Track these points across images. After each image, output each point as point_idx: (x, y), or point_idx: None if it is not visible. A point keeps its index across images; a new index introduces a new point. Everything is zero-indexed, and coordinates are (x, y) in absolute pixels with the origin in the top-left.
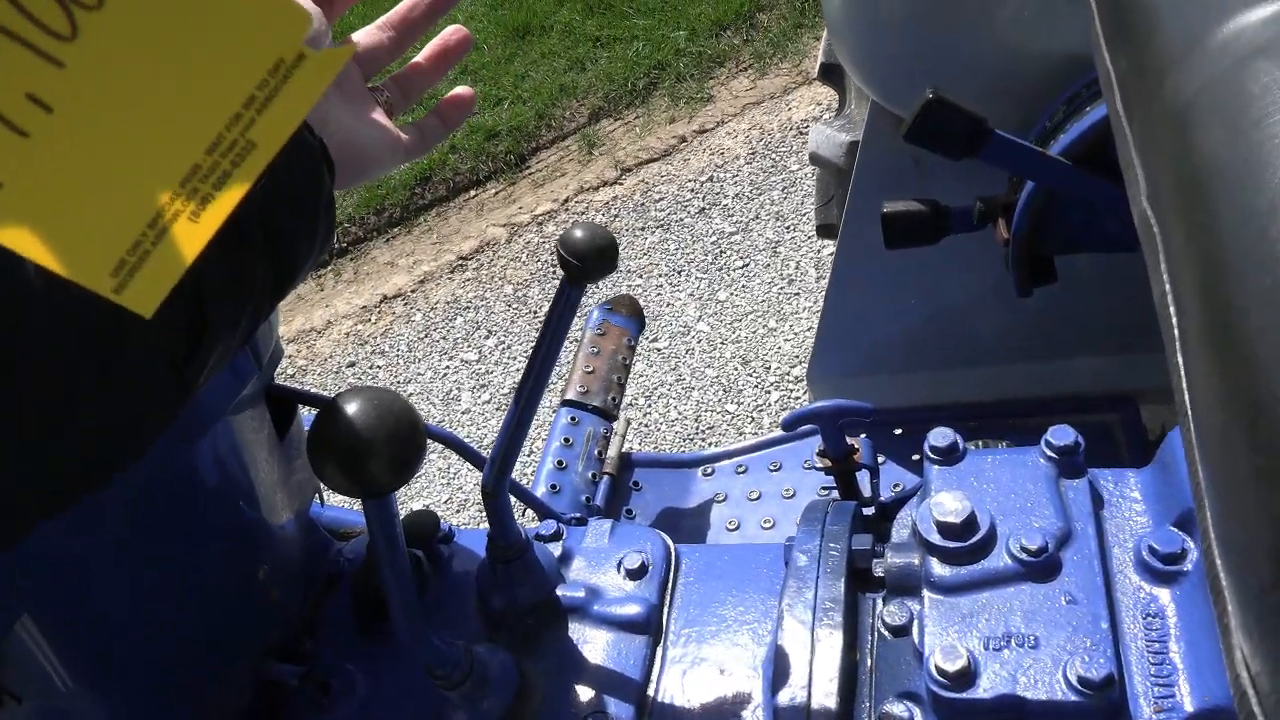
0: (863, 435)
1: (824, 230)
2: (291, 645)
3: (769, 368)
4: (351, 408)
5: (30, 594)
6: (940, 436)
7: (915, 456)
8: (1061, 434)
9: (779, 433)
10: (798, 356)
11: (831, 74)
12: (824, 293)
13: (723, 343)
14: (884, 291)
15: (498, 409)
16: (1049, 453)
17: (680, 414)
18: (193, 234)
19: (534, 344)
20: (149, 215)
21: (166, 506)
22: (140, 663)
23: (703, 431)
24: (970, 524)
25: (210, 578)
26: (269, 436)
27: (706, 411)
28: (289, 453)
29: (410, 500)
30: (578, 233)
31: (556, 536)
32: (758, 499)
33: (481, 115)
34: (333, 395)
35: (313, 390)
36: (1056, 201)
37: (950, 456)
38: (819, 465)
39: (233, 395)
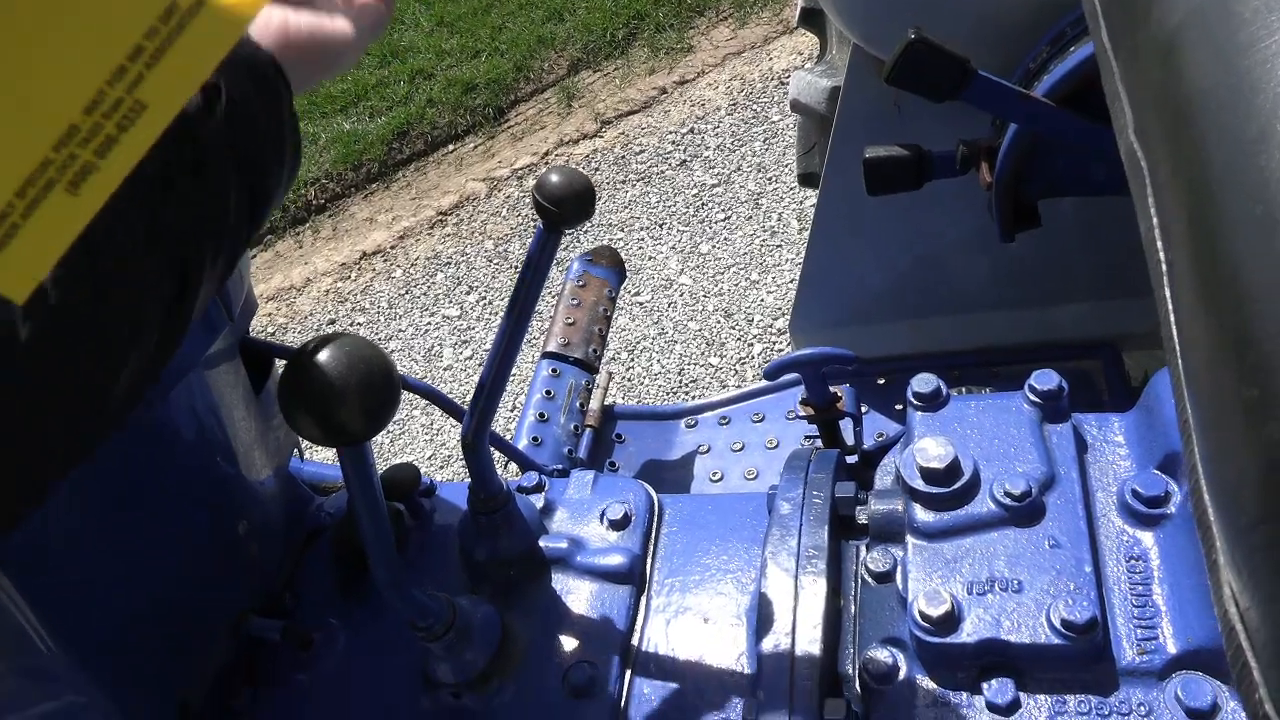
0: (845, 384)
1: (806, 179)
2: (272, 600)
3: (752, 320)
4: (322, 356)
5: (3, 552)
6: (923, 383)
7: (899, 406)
8: (1045, 379)
9: (761, 384)
10: (781, 309)
11: (812, 19)
12: (806, 243)
13: (705, 296)
14: (866, 240)
15: (480, 365)
16: (1032, 397)
17: (664, 368)
18: (71, 209)
19: (512, 293)
20: (16, 183)
21: (142, 462)
22: (120, 620)
23: (686, 385)
24: (953, 469)
25: (188, 534)
26: (245, 391)
27: (690, 365)
28: (266, 408)
29: (392, 456)
30: (554, 177)
31: (539, 488)
32: (741, 450)
33: (459, 68)
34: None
35: (288, 344)
36: (1040, 144)
37: (933, 402)
38: (802, 414)
39: (204, 347)
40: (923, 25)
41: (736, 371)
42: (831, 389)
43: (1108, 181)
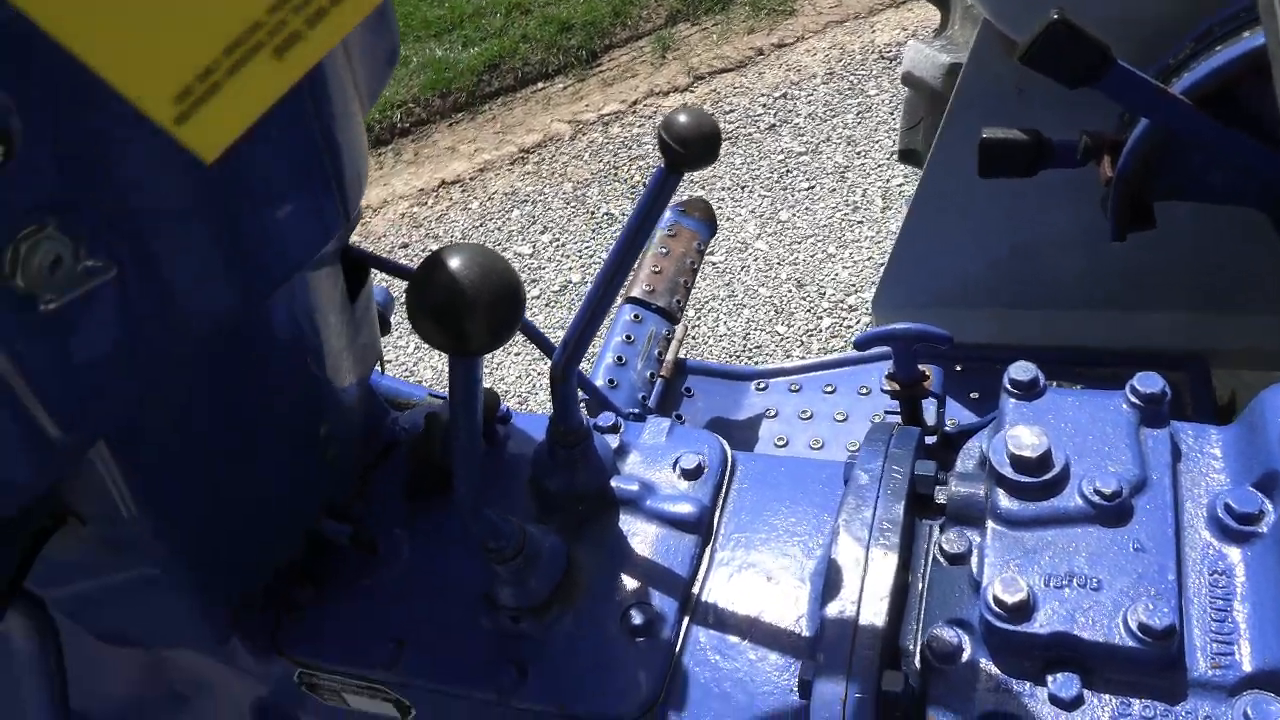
0: (935, 365)
1: (906, 155)
2: (342, 505)
3: (824, 293)
4: (455, 264)
5: (105, 420)
6: (1022, 370)
7: (974, 394)
8: (1149, 381)
9: (835, 356)
10: (854, 285)
11: None
12: (889, 222)
13: (779, 263)
14: (965, 223)
15: (546, 305)
16: (1133, 399)
17: (729, 330)
18: (274, 73)
19: (622, 230)
20: (226, 40)
21: (241, 355)
22: (200, 500)
23: (750, 350)
24: (1045, 460)
25: (273, 428)
26: (341, 298)
27: (756, 330)
28: (358, 317)
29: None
30: (682, 118)
31: (614, 429)
32: (809, 419)
33: (556, 6)
34: (409, 260)
35: (389, 257)
36: (1169, 144)
37: (1030, 391)
38: (886, 388)
39: (318, 247)
40: (1064, 7)
41: (803, 343)
42: (920, 367)
43: (1229, 189)
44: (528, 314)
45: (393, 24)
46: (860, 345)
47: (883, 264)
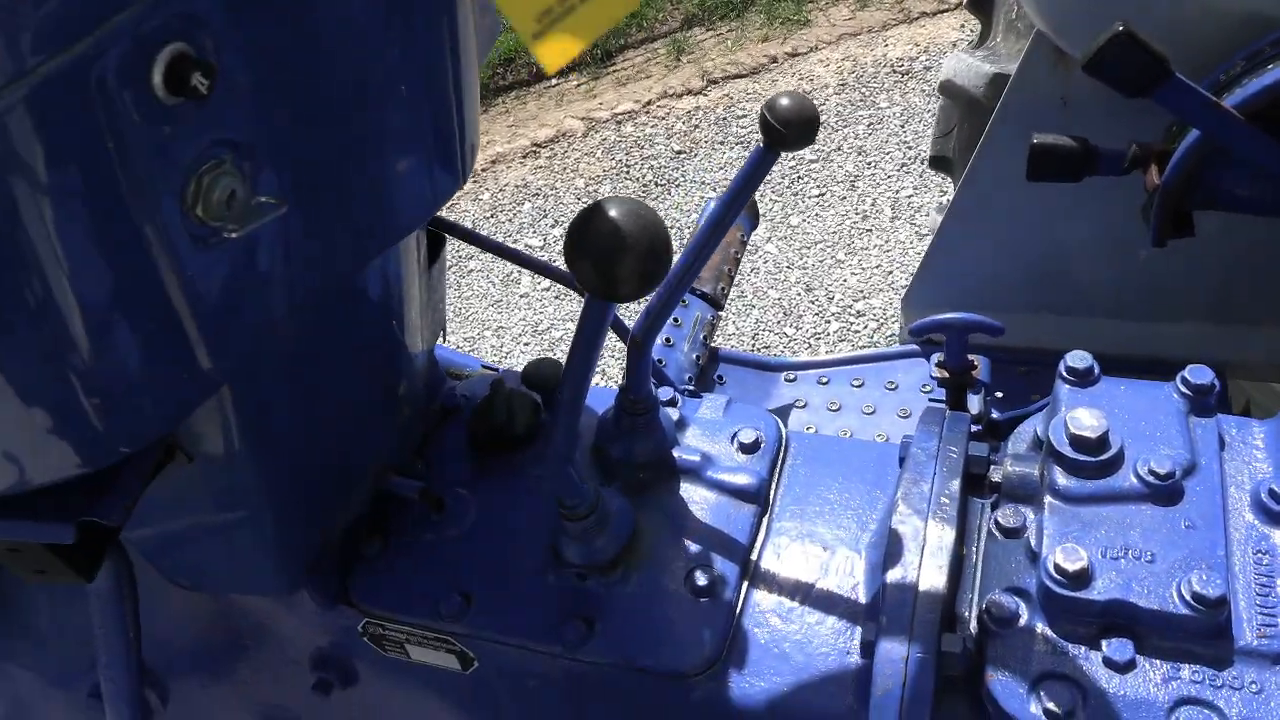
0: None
1: (936, 162)
2: (405, 464)
3: (832, 298)
4: (614, 212)
5: (244, 354)
6: (1078, 359)
7: (999, 393)
8: (1200, 373)
9: (866, 351)
10: (862, 291)
11: (981, 3)
12: (898, 232)
13: (789, 267)
14: (1000, 228)
15: (556, 297)
16: (1183, 389)
17: (738, 329)
18: (613, 5)
19: (716, 204)
20: None
21: (341, 311)
22: (295, 443)
23: (759, 349)
24: (1103, 441)
25: (361, 384)
26: (422, 264)
27: (765, 331)
28: (432, 285)
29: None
30: (784, 100)
31: (672, 403)
32: (838, 410)
33: None
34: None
35: (468, 227)
36: (1213, 155)
37: (1085, 379)
38: (935, 375)
39: (439, 203)
40: (1127, 20)
41: (810, 345)
42: (969, 357)
43: (1271, 201)
44: (538, 306)
45: (493, 5)
46: (915, 333)
47: (891, 272)
